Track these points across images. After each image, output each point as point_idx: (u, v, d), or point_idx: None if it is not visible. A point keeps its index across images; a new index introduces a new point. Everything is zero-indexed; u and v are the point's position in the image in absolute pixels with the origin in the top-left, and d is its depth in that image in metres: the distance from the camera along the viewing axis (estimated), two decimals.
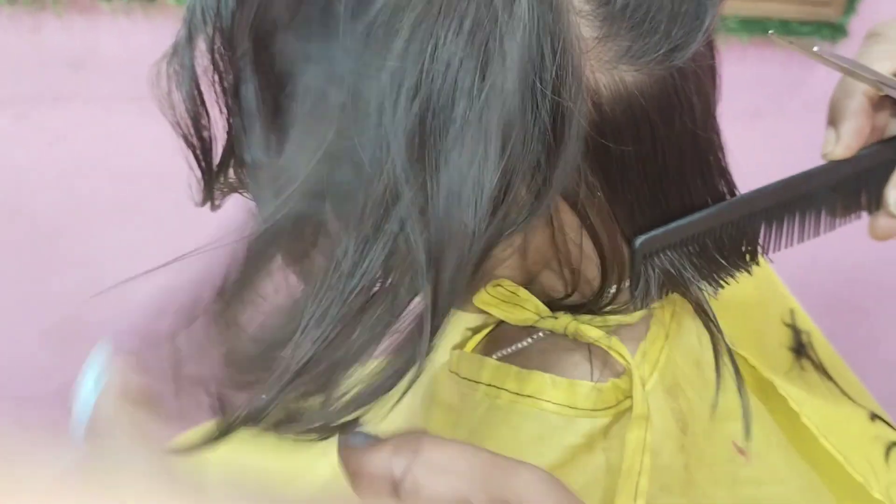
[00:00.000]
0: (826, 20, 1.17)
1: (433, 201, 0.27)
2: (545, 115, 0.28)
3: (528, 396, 0.38)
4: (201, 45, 0.33)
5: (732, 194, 0.38)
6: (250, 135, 0.32)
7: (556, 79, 0.28)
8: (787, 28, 1.15)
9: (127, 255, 1.14)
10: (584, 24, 0.29)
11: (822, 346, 0.54)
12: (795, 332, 0.53)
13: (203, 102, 0.34)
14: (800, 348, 0.52)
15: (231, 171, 0.35)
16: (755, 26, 1.12)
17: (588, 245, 0.36)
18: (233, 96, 0.33)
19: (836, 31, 1.18)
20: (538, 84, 0.27)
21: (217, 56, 0.32)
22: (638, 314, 0.40)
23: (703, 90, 0.34)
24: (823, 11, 1.15)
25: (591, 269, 0.37)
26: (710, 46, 0.35)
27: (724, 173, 0.37)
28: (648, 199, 0.34)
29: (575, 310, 0.39)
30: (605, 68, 0.30)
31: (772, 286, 0.53)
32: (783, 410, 0.45)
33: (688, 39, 0.31)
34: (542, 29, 0.27)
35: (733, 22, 1.10)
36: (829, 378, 0.52)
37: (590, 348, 0.40)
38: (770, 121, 1.24)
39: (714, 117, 0.36)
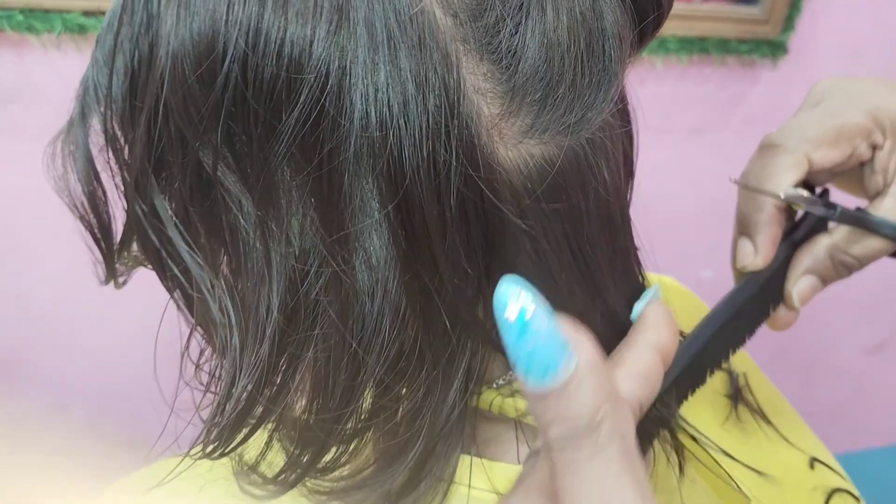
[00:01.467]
0: (765, 38, 1.17)
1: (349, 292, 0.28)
2: (452, 197, 0.27)
3: (454, 483, 0.35)
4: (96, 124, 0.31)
5: (639, 265, 0.36)
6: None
7: (459, 158, 0.26)
8: (726, 47, 1.14)
9: (57, 286, 1.11)
10: (485, 102, 0.28)
11: (760, 384, 0.52)
12: (731, 376, 0.51)
13: (99, 181, 0.32)
14: (736, 393, 0.50)
15: (134, 247, 0.33)
16: (694, 45, 1.12)
17: None
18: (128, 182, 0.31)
19: (776, 48, 1.18)
20: (442, 167, 0.26)
21: (112, 135, 0.30)
22: None
23: (615, 160, 0.32)
24: (762, 30, 1.15)
25: None
26: (624, 113, 0.33)
27: (633, 249, 0.35)
28: (563, 275, 0.31)
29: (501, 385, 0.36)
30: (511, 143, 0.28)
31: None
32: (714, 470, 0.42)
33: (592, 111, 0.29)
34: (441, 111, 0.26)
35: (673, 42, 1.10)
36: (768, 422, 0.50)
37: (517, 424, 0.37)
38: (711, 136, 1.25)
39: (626, 188, 0.34)
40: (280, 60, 0.25)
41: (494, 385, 0.35)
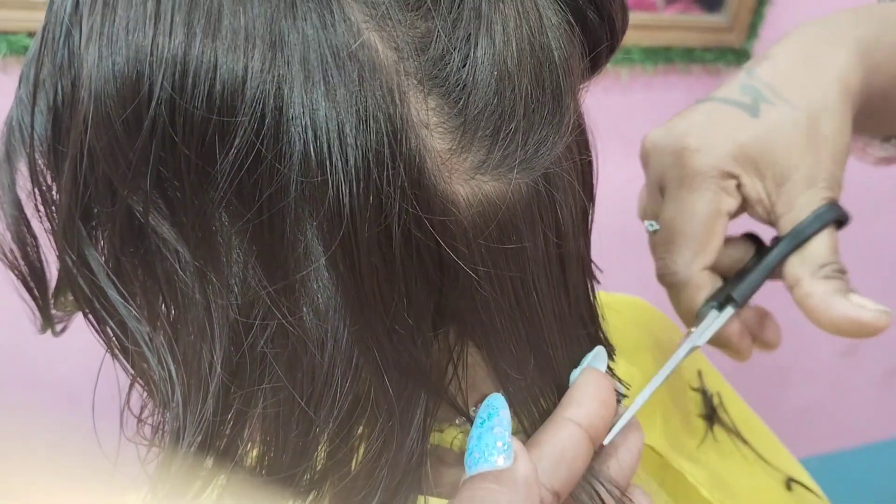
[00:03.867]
0: (729, 46, 1.17)
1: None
2: (401, 239, 0.26)
3: None
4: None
5: (592, 308, 0.35)
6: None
7: (407, 197, 0.25)
8: (691, 56, 1.14)
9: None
10: (434, 138, 0.26)
11: (734, 403, 0.51)
12: (705, 396, 0.50)
13: (29, 227, 0.30)
14: (711, 413, 0.49)
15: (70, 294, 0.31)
16: (659, 55, 1.12)
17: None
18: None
19: (739, 56, 1.19)
20: (388, 208, 0.25)
21: (39, 178, 0.28)
22: None
23: (573, 192, 0.31)
24: (726, 38, 1.16)
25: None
26: (581, 142, 0.32)
27: (590, 283, 0.34)
28: (520, 320, 0.30)
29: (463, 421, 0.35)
30: (462, 179, 0.27)
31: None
32: (694, 499, 0.42)
33: (546, 145, 0.28)
34: (385, 149, 0.25)
35: (637, 53, 1.09)
36: (744, 441, 0.49)
37: None
38: None
39: (587, 217, 0.33)
40: (210, 103, 0.24)
41: (457, 422, 0.33)
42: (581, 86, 0.30)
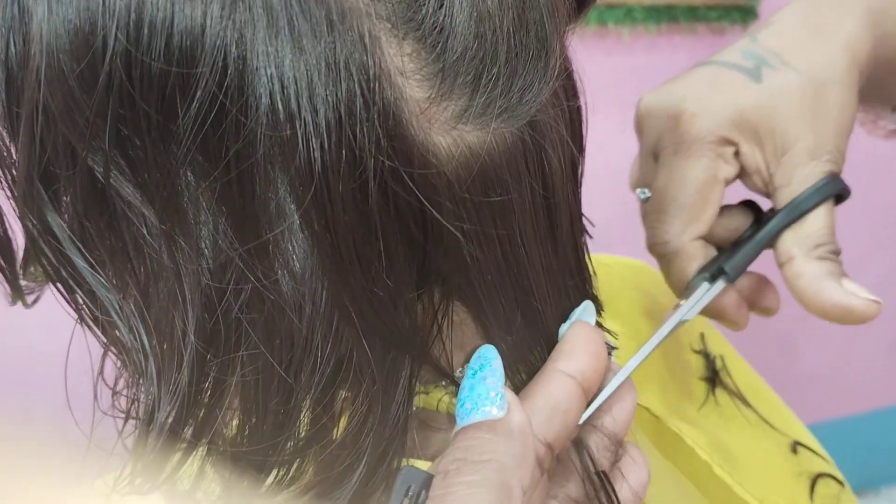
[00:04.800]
0: (734, 3, 1.14)
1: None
2: (378, 194, 0.24)
3: None
4: None
5: (581, 261, 0.33)
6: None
7: (383, 149, 0.24)
8: (694, 14, 1.12)
9: None
10: (411, 86, 0.25)
11: (739, 367, 0.50)
12: (707, 358, 0.49)
13: None
14: (713, 376, 0.48)
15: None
16: (662, 14, 1.09)
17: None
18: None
19: (745, 13, 1.16)
20: (363, 161, 0.24)
21: None
22: None
23: (560, 141, 0.29)
24: None
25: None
26: (569, 87, 0.30)
27: (579, 237, 0.33)
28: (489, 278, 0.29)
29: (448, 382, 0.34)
30: (443, 130, 0.26)
31: None
32: (693, 461, 0.41)
33: (531, 91, 0.26)
34: (357, 99, 0.23)
35: (639, 11, 1.07)
36: (747, 405, 0.48)
37: None
38: None
39: (577, 167, 0.32)
40: (168, 54, 0.22)
41: (443, 383, 0.32)
42: (567, 27, 0.28)
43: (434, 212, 0.25)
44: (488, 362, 0.28)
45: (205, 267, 0.25)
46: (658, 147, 0.42)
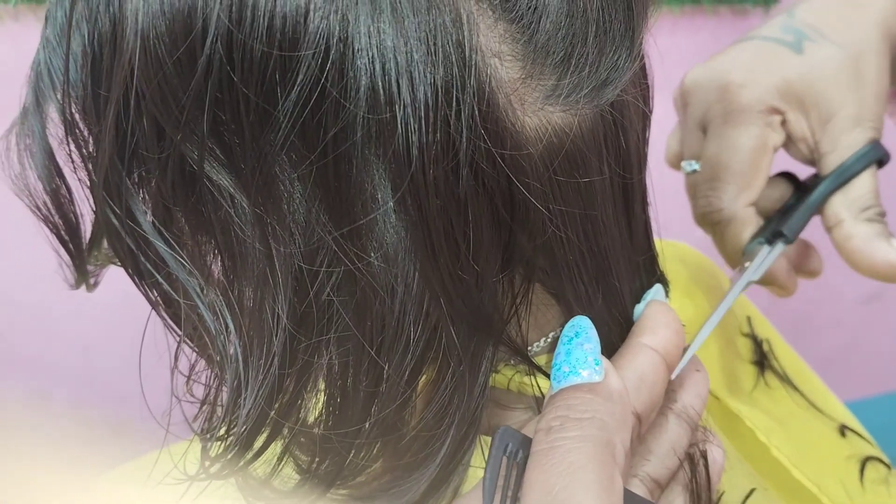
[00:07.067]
0: None
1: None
2: (471, 177, 0.24)
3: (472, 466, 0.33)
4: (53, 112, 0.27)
5: (651, 239, 0.34)
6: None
7: (478, 131, 0.24)
8: None
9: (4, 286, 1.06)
10: (503, 66, 0.25)
11: (784, 351, 0.50)
12: (756, 342, 0.49)
13: (62, 177, 0.28)
14: (762, 360, 0.48)
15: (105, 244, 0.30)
16: None
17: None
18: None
19: None
20: (459, 143, 0.24)
21: (72, 125, 0.27)
22: None
23: (636, 120, 0.29)
24: None
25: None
26: (642, 68, 0.30)
27: (647, 214, 0.34)
28: (580, 252, 0.29)
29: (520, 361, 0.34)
30: (532, 110, 0.25)
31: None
32: (751, 443, 0.41)
33: (617, 70, 0.26)
34: (454, 81, 0.23)
35: None
36: (796, 389, 0.48)
37: (538, 403, 0.34)
38: None
39: (645, 147, 0.32)
40: (271, 36, 0.22)
41: (512, 361, 0.32)
42: (650, 6, 0.28)
43: (524, 192, 0.25)
44: (584, 330, 0.28)
45: (297, 250, 0.25)
46: (706, 119, 0.43)
